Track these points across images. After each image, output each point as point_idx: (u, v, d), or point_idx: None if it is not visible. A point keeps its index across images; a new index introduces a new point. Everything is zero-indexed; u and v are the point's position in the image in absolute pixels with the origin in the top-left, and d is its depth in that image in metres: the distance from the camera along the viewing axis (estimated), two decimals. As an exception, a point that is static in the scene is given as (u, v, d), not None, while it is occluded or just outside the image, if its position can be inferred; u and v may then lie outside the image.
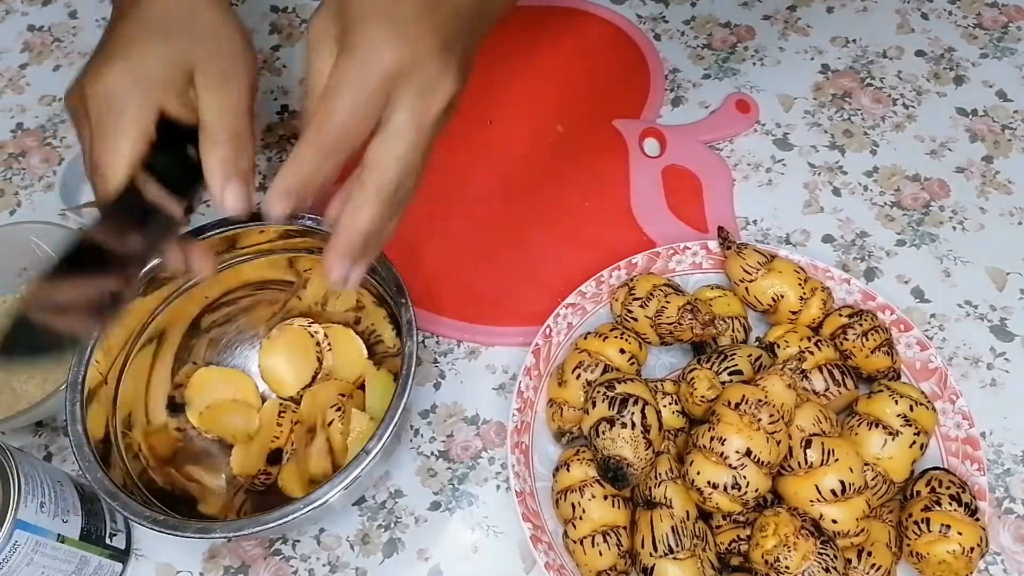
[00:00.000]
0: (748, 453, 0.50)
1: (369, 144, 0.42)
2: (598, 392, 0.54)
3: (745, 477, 0.50)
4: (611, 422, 0.52)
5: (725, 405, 0.51)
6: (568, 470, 0.54)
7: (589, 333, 0.60)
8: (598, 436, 0.52)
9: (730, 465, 0.50)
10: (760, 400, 0.50)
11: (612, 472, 0.51)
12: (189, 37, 0.47)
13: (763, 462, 0.50)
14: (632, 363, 0.58)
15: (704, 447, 0.51)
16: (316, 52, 0.43)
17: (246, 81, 0.48)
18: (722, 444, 0.50)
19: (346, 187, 0.44)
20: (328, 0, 0.43)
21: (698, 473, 0.50)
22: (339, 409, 0.56)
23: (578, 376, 0.57)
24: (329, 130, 0.41)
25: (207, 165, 0.46)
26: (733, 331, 0.60)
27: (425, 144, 0.43)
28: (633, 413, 0.52)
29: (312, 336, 0.62)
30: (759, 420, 0.50)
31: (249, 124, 0.47)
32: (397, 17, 0.41)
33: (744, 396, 0.51)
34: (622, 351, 0.58)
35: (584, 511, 0.53)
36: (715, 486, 0.50)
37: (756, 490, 0.50)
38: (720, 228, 0.64)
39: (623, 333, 0.59)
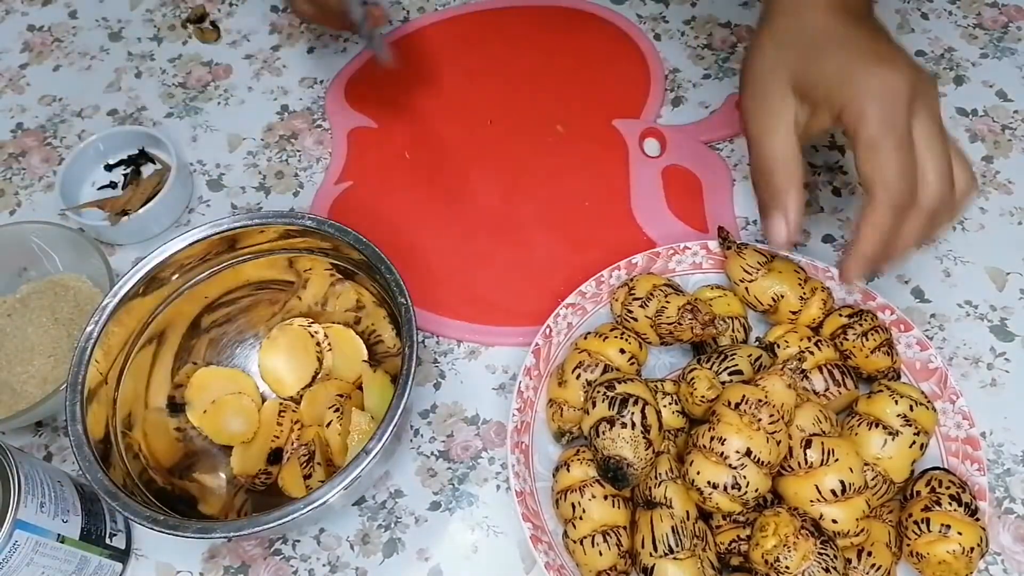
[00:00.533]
0: (748, 453, 0.50)
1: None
2: (598, 392, 0.54)
3: (745, 477, 0.50)
4: (611, 422, 0.52)
5: (725, 405, 0.51)
6: (568, 470, 0.54)
7: (589, 333, 0.60)
8: (598, 436, 0.52)
9: (730, 465, 0.50)
10: (760, 400, 0.50)
11: (612, 472, 0.51)
12: None
13: (763, 462, 0.50)
14: (632, 363, 0.58)
15: (704, 447, 0.51)
16: (770, 131, 0.49)
17: None
18: (722, 444, 0.50)
19: None
20: (769, 80, 0.50)
21: (698, 473, 0.50)
22: (337, 410, 0.56)
23: (578, 376, 0.57)
24: (892, 190, 0.46)
25: None
26: (733, 331, 0.59)
27: (946, 142, 0.48)
28: (633, 413, 0.52)
29: (312, 336, 0.62)
30: (759, 420, 0.50)
31: None
32: (866, 52, 0.47)
33: (744, 396, 0.51)
34: (622, 351, 0.58)
35: (584, 511, 0.53)
36: (715, 486, 0.50)
37: (756, 490, 0.50)
38: (720, 228, 0.64)
39: (623, 333, 0.59)
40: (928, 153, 0.46)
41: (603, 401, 0.53)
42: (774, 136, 0.49)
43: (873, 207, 0.47)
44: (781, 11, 0.53)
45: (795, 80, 0.49)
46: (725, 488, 0.50)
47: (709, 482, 0.50)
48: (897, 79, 0.46)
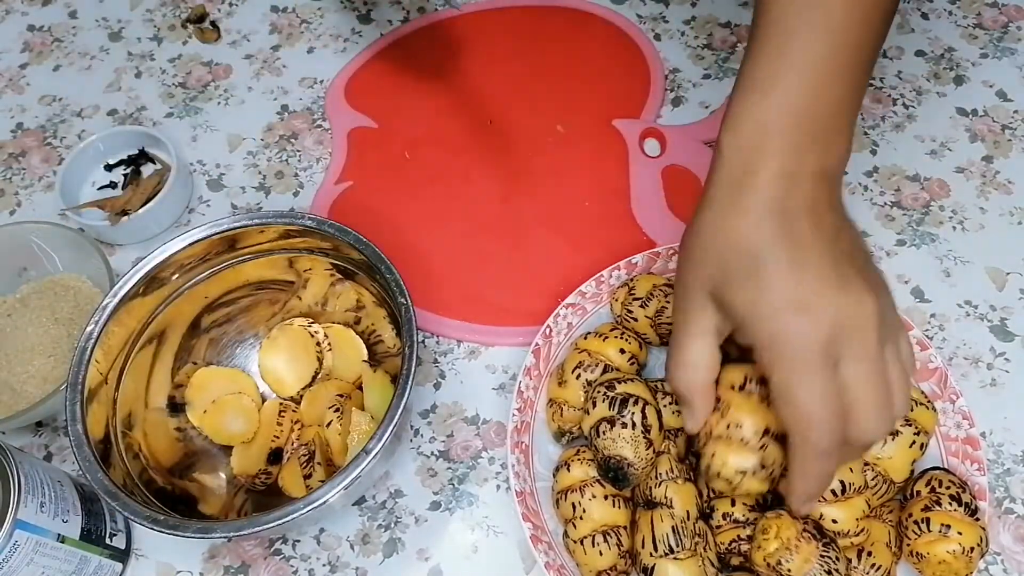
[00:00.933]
0: (767, 431, 0.46)
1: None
2: (598, 392, 0.54)
3: (770, 455, 0.47)
4: (611, 422, 0.52)
5: (730, 389, 0.48)
6: (568, 470, 0.54)
7: (589, 333, 0.60)
8: (598, 436, 0.52)
9: (754, 446, 0.46)
10: (762, 375, 0.46)
11: (613, 472, 0.51)
12: None
13: (780, 436, 0.46)
14: (632, 363, 0.58)
15: (722, 436, 0.47)
16: (689, 334, 0.45)
17: None
18: (740, 428, 0.46)
19: None
20: (692, 300, 0.44)
21: (723, 464, 0.47)
22: (337, 410, 0.56)
23: (578, 376, 0.57)
24: (811, 436, 0.41)
25: None
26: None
27: (881, 375, 0.42)
28: (633, 413, 0.52)
29: (312, 336, 0.62)
30: (767, 396, 0.46)
31: None
32: (807, 297, 0.41)
33: (746, 376, 0.47)
34: (622, 351, 0.58)
35: (584, 511, 0.53)
36: (743, 472, 0.47)
37: (781, 465, 0.47)
38: (720, 228, 0.63)
39: (623, 333, 0.59)
40: (862, 394, 0.41)
41: (603, 401, 0.53)
42: (689, 342, 0.45)
43: (795, 455, 0.43)
44: (712, 201, 0.47)
45: (714, 292, 0.44)
46: (754, 472, 0.47)
47: (738, 470, 0.47)
48: (811, 327, 0.40)
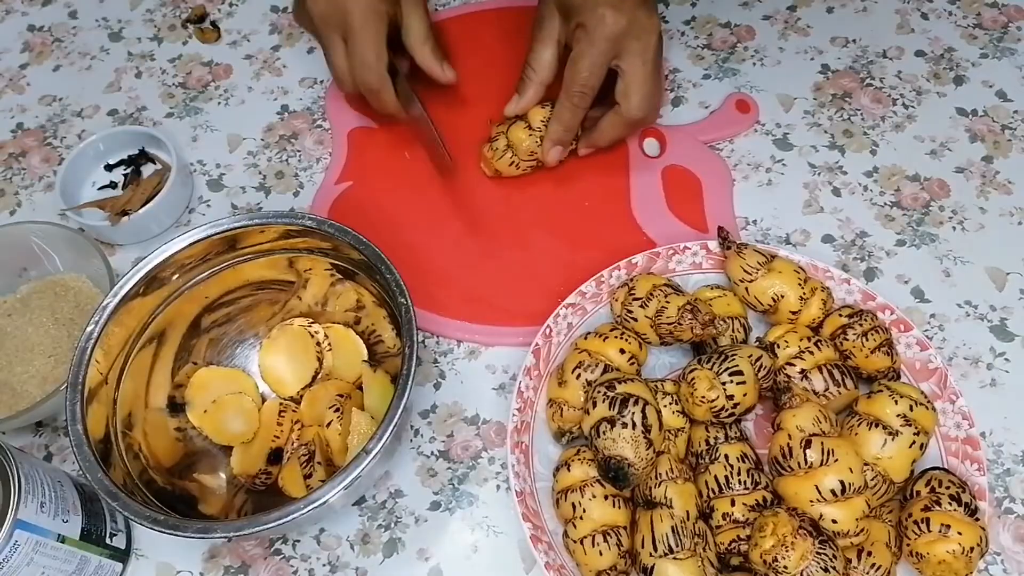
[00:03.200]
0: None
1: (616, 88, 0.63)
2: (598, 392, 0.54)
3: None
4: (612, 422, 0.52)
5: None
6: (568, 470, 0.54)
7: (589, 333, 0.60)
8: (599, 436, 0.52)
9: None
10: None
11: (613, 472, 0.51)
12: None
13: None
14: (632, 363, 0.58)
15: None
16: (539, 48, 0.65)
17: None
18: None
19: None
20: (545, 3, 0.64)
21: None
22: (337, 410, 0.56)
23: (578, 376, 0.57)
24: (577, 87, 0.62)
25: (421, 53, 0.69)
26: (733, 331, 0.60)
27: (655, 76, 0.63)
28: (634, 413, 0.52)
29: (312, 336, 0.62)
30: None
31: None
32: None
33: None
34: (622, 351, 0.58)
35: (584, 511, 0.53)
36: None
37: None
38: (720, 228, 0.64)
39: (623, 333, 0.59)
40: (636, 80, 0.62)
41: (603, 401, 0.53)
42: (542, 47, 0.65)
43: (559, 106, 0.65)
44: None
45: (559, 3, 0.63)
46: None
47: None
48: (613, 20, 0.60)
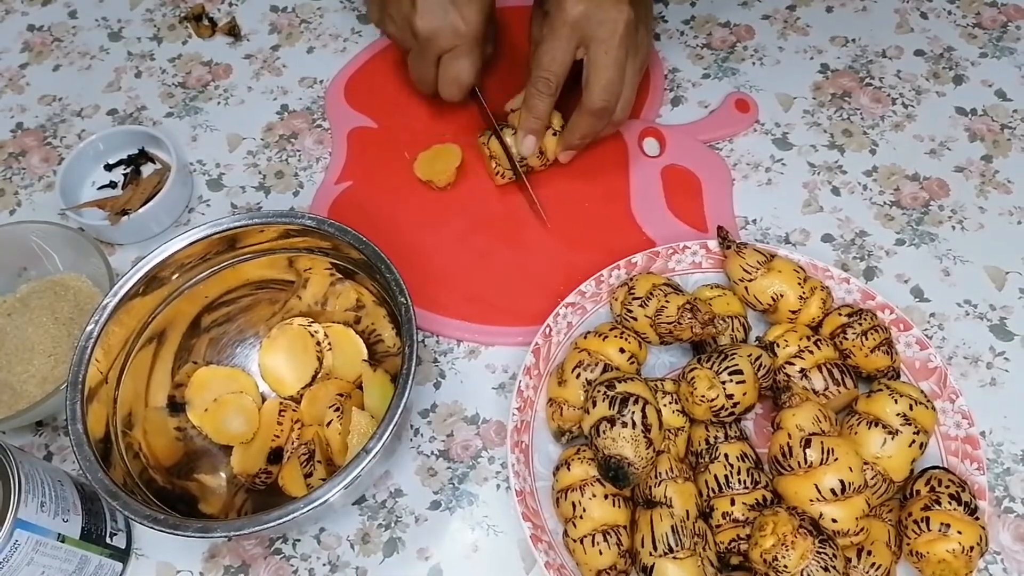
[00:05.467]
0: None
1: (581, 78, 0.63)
2: (598, 391, 0.54)
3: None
4: (611, 421, 0.52)
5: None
6: (569, 469, 0.54)
7: (589, 332, 0.60)
8: (599, 435, 0.52)
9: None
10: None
11: (613, 471, 0.51)
12: None
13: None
14: (632, 362, 0.58)
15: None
16: (534, 31, 0.66)
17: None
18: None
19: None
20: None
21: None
22: (337, 409, 0.56)
23: (578, 375, 0.57)
24: (540, 73, 0.63)
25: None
26: (733, 330, 0.60)
27: (618, 64, 0.62)
28: (634, 412, 0.52)
29: (312, 336, 0.62)
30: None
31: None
32: None
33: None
34: (622, 350, 0.58)
35: (584, 510, 0.53)
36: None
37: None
38: (720, 228, 0.64)
39: (623, 332, 0.59)
40: (599, 70, 0.62)
41: (603, 400, 0.53)
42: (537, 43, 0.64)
43: (528, 89, 0.65)
44: None
45: None
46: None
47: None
48: (570, 7, 0.60)
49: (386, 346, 0.60)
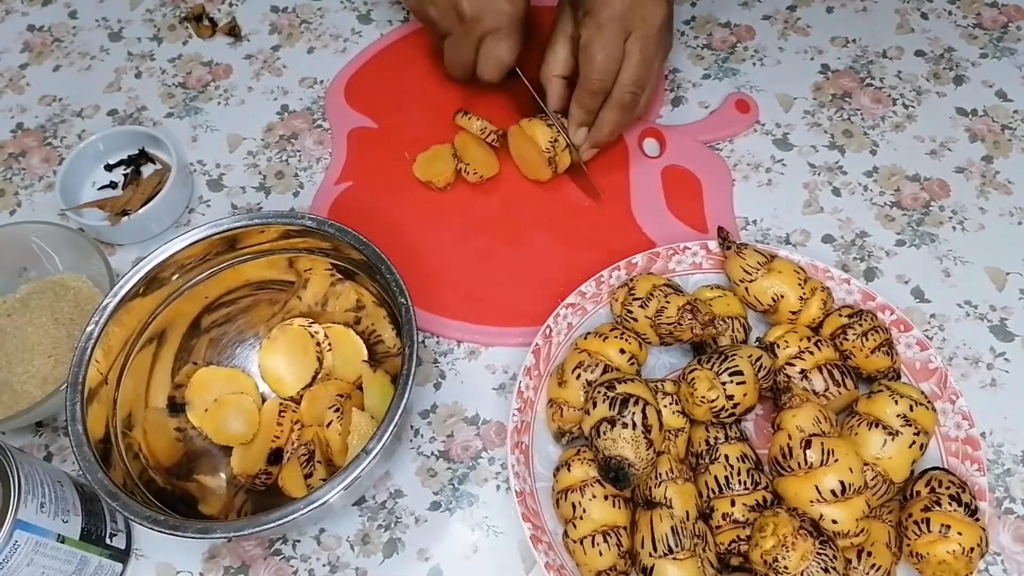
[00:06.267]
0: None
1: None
2: (598, 392, 0.54)
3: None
4: (612, 422, 0.52)
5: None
6: (569, 470, 0.54)
7: (589, 333, 0.60)
8: (599, 436, 0.52)
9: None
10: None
11: (613, 472, 0.51)
12: None
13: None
14: (632, 363, 0.58)
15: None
16: (554, 39, 0.67)
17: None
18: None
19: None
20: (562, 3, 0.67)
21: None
22: (337, 410, 0.56)
23: (578, 376, 0.57)
24: (596, 75, 0.63)
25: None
26: (733, 331, 0.60)
27: (649, 60, 0.64)
28: (634, 413, 0.52)
29: (312, 336, 0.62)
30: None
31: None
32: None
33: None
34: (622, 351, 0.58)
35: (584, 511, 0.53)
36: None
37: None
38: (720, 228, 0.64)
39: (623, 333, 0.59)
40: (632, 64, 0.63)
41: (604, 401, 0.53)
42: (560, 44, 0.67)
43: (578, 91, 0.66)
44: None
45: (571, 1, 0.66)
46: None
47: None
48: (620, 5, 0.61)
49: (386, 347, 0.60)
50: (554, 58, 0.67)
